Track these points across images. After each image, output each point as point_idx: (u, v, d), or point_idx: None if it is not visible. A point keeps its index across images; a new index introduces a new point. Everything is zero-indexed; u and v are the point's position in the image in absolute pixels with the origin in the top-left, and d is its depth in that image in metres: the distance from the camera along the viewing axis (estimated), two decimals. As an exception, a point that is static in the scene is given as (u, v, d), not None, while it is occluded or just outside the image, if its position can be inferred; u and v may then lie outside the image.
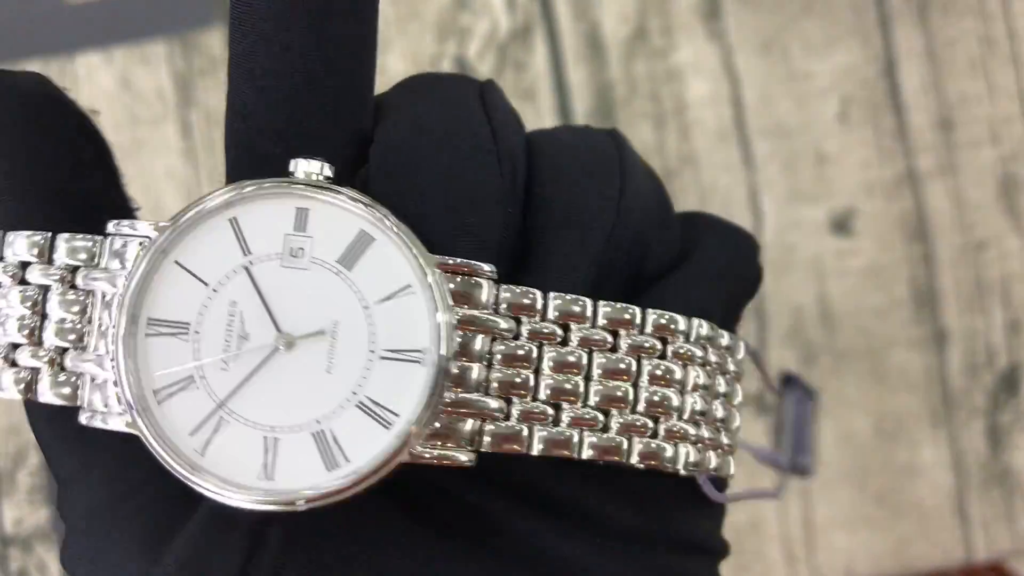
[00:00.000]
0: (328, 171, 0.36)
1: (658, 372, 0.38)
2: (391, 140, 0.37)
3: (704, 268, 0.42)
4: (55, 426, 0.38)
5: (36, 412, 0.38)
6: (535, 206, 0.39)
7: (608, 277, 0.39)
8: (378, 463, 0.35)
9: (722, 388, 0.41)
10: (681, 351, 0.39)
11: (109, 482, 0.36)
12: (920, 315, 0.91)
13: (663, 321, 0.38)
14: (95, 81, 1.00)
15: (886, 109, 0.96)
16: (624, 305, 0.38)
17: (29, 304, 0.37)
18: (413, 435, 0.35)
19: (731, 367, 0.42)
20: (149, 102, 1.00)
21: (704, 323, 0.40)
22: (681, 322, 0.39)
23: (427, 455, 0.35)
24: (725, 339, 0.41)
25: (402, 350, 0.36)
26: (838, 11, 0.98)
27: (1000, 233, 0.95)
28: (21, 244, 0.37)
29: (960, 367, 0.95)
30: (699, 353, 0.39)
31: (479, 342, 0.36)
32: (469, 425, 0.36)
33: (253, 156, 0.37)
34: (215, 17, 0.99)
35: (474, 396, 0.36)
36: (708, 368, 0.40)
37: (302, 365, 0.36)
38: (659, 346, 0.38)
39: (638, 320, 0.38)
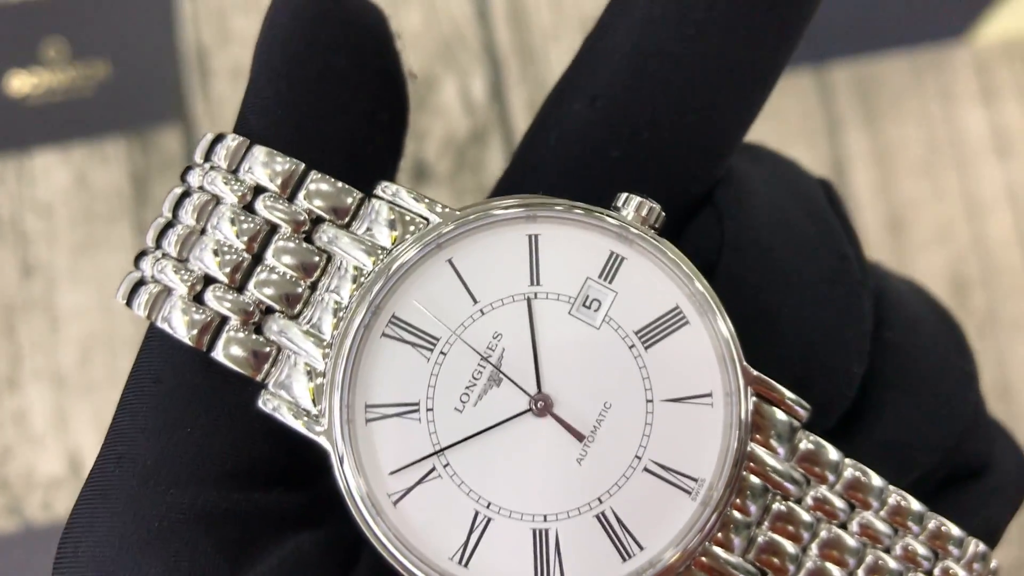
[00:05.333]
0: (661, 220, 0.29)
1: None
2: (749, 240, 0.31)
3: (1002, 484, 0.35)
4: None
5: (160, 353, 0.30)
6: (882, 351, 0.33)
7: (934, 472, 0.33)
8: None
9: None
10: (950, 572, 0.32)
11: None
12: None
13: (943, 529, 0.32)
14: (51, 178, 0.95)
15: (837, 209, 0.95)
16: (908, 498, 0.31)
17: (246, 237, 0.29)
18: None
19: None
20: (105, 199, 0.96)
21: (981, 545, 0.33)
22: (955, 534, 0.32)
23: None
24: (994, 564, 0.34)
25: (674, 470, 0.28)
26: (788, 116, 0.97)
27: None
28: (262, 163, 0.29)
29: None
30: (965, 575, 0.32)
31: (756, 488, 0.29)
32: None
33: (585, 147, 0.30)
34: (173, 114, 0.95)
35: (733, 558, 0.29)
36: None
37: (550, 444, 0.28)
38: (931, 559, 0.32)
39: (916, 522, 0.31)
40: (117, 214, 0.95)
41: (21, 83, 0.94)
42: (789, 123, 0.97)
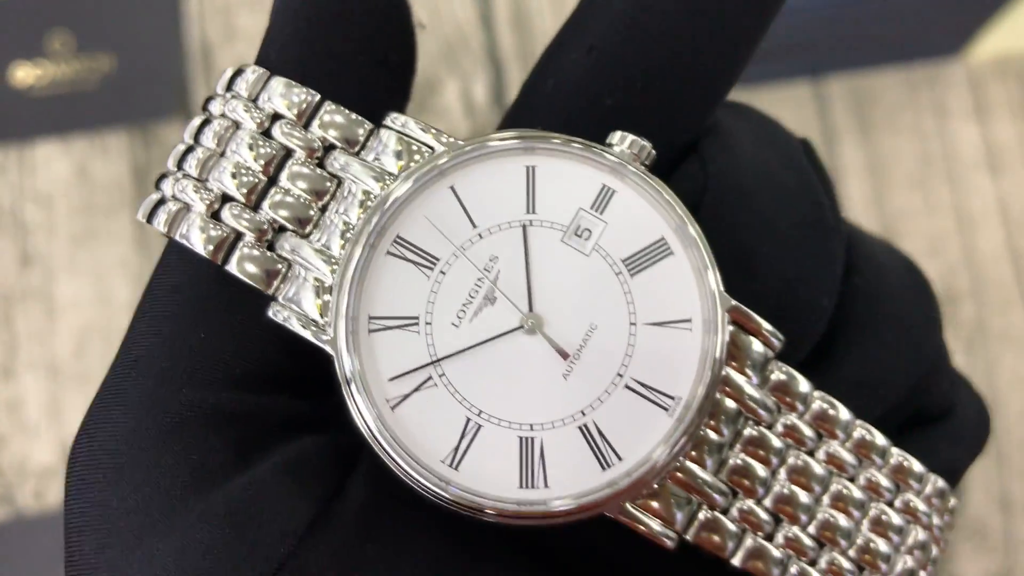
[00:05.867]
0: (651, 158, 0.31)
1: (883, 519, 0.33)
2: (731, 183, 0.33)
3: (964, 428, 0.38)
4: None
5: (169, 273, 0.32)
6: (852, 295, 0.35)
7: (899, 409, 0.35)
8: (583, 503, 0.29)
9: (933, 554, 0.36)
10: (911, 504, 0.34)
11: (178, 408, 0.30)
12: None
13: (905, 464, 0.34)
14: (52, 169, 0.96)
15: (830, 222, 0.96)
16: (874, 432, 0.33)
17: (262, 160, 0.31)
18: (626, 489, 0.30)
19: (947, 535, 0.37)
20: (106, 191, 0.97)
21: (941, 481, 0.35)
22: (916, 469, 0.34)
23: (640, 521, 0.30)
24: (952, 503, 0.36)
25: (653, 388, 0.30)
26: (785, 125, 1.00)
27: (942, 346, 0.95)
28: (280, 93, 0.31)
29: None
30: (923, 508, 0.34)
31: (731, 412, 0.31)
32: (688, 505, 0.31)
33: (580, 94, 0.32)
34: (175, 109, 0.96)
35: (707, 476, 0.31)
36: (930, 531, 0.35)
37: (538, 359, 0.30)
38: (892, 491, 0.34)
39: (880, 455, 0.33)
40: (117, 206, 0.95)
41: (25, 74, 0.95)
42: (786, 133, 0.98)
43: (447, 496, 0.29)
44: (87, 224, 0.95)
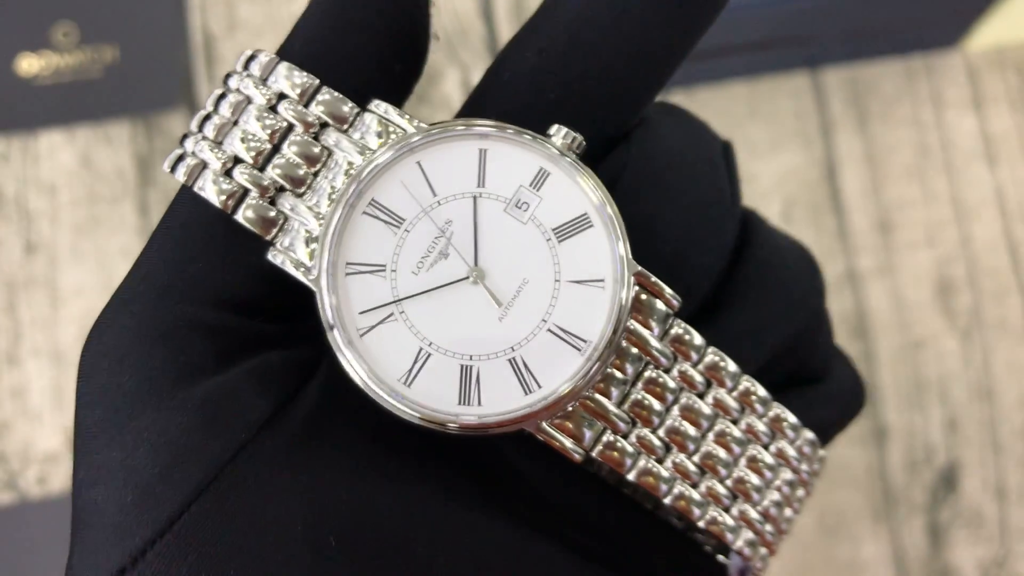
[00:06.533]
0: (582, 147, 0.38)
1: (758, 457, 0.41)
2: (647, 165, 0.40)
3: (838, 393, 0.46)
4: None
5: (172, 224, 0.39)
6: (745, 262, 0.42)
7: (781, 361, 0.42)
8: (511, 418, 0.37)
9: (800, 494, 0.43)
10: (783, 450, 0.41)
11: (168, 317, 0.37)
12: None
13: (781, 415, 0.41)
14: (56, 158, 1.00)
15: (827, 211, 0.98)
16: (757, 385, 0.40)
17: (268, 131, 0.38)
18: (543, 410, 0.37)
19: (813, 482, 0.44)
20: (109, 181, 1.00)
21: (811, 434, 0.42)
22: (791, 421, 0.41)
23: (555, 438, 0.38)
24: (821, 454, 0.44)
25: (570, 332, 0.38)
26: (782, 116, 1.00)
27: (937, 333, 0.97)
28: (286, 77, 0.38)
29: (900, 463, 0.95)
30: (794, 455, 0.42)
31: (635, 356, 0.38)
32: (595, 428, 0.38)
33: (529, 87, 0.39)
34: (178, 100, 1.00)
35: (611, 406, 0.38)
36: (799, 475, 0.42)
37: (479, 304, 0.38)
38: (768, 436, 0.41)
39: (762, 405, 0.40)
40: (120, 195, 0.97)
41: (30, 65, 0.96)
42: (784, 124, 1.01)
43: (399, 407, 0.36)
44: (90, 213, 0.96)
